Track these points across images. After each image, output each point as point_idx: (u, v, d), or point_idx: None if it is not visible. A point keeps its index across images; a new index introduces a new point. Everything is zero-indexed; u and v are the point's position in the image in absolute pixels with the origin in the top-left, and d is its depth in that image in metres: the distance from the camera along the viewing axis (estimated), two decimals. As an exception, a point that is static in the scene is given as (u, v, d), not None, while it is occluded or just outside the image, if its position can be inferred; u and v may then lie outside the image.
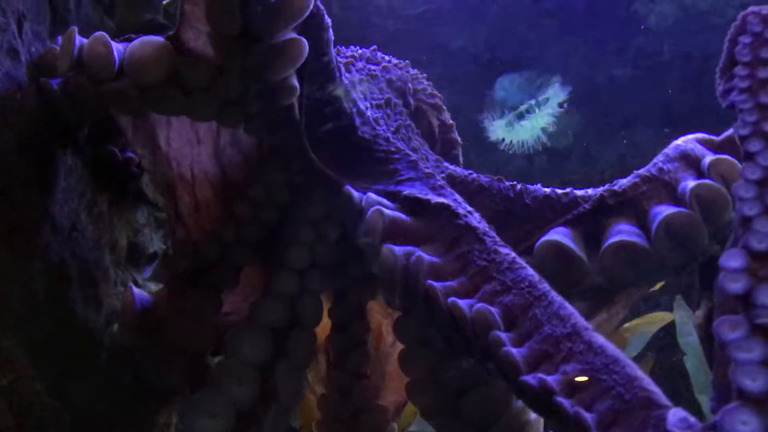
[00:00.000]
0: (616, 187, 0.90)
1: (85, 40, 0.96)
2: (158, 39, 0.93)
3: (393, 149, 1.03)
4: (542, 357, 0.69)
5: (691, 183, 0.82)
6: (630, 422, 0.59)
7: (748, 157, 0.59)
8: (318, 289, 1.02)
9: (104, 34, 0.95)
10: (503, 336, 0.70)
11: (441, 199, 0.87)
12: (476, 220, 0.84)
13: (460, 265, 0.80)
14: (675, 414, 0.57)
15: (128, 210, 1.31)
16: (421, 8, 3.31)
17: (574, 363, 0.66)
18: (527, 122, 2.82)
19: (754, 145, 0.59)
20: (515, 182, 1.02)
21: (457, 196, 0.90)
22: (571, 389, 0.65)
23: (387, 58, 1.31)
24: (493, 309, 0.73)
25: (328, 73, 1.02)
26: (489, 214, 0.94)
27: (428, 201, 0.88)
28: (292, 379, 0.99)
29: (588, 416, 0.61)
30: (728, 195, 0.80)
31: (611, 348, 0.66)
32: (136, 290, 1.13)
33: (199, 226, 1.10)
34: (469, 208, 0.87)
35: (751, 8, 0.65)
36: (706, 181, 0.81)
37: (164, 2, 1.45)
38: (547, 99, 2.89)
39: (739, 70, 0.63)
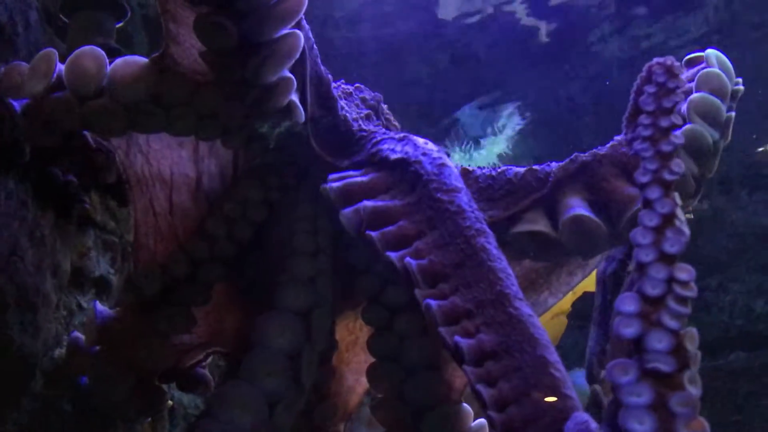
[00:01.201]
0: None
1: (60, 64, 0.96)
2: (140, 58, 0.94)
3: (372, 129, 1.07)
4: (463, 315, 0.72)
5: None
6: (529, 406, 0.61)
7: (647, 204, 0.62)
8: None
9: (96, 48, 0.95)
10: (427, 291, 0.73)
11: (400, 154, 0.91)
12: (432, 169, 0.86)
13: (407, 211, 0.83)
14: (575, 418, 0.59)
15: (73, 233, 1.31)
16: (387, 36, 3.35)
17: (491, 332, 0.68)
18: (484, 150, 2.87)
19: (653, 193, 0.62)
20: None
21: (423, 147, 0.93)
22: (482, 358, 0.66)
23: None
24: (421, 262, 0.76)
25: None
26: (473, 190, 0.98)
27: (388, 157, 0.92)
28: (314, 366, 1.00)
29: (485, 392, 0.63)
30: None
31: (531, 325, 0.67)
32: (99, 306, 1.12)
33: (172, 232, 1.10)
34: (441, 161, 0.90)
35: (656, 59, 0.68)
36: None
37: (118, 25, 1.45)
38: (504, 126, 2.94)
39: (643, 119, 0.66)
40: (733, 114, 0.89)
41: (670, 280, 0.59)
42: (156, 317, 1.05)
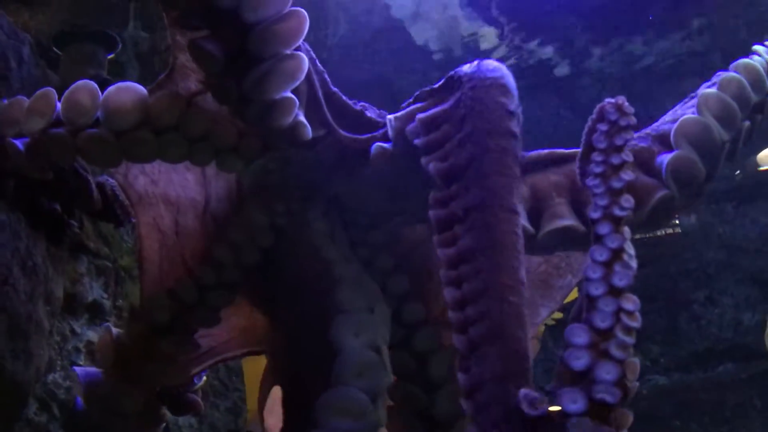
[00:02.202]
0: None
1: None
2: (132, 85, 0.96)
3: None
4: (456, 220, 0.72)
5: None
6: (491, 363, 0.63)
7: (598, 239, 0.65)
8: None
9: (89, 82, 0.96)
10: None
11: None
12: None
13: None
14: (525, 392, 0.60)
15: (66, 260, 1.35)
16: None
17: (477, 281, 0.67)
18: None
19: (603, 228, 0.66)
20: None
21: None
22: (462, 303, 0.67)
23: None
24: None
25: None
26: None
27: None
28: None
29: (458, 339, 0.66)
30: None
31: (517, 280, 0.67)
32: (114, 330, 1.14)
33: (179, 254, 1.11)
34: None
35: (607, 99, 0.72)
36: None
37: (110, 56, 1.50)
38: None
39: (595, 156, 0.69)
40: (747, 123, 0.87)
41: (618, 311, 0.62)
42: (163, 342, 1.06)
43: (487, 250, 0.69)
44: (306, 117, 0.94)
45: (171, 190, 1.10)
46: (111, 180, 1.27)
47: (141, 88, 0.95)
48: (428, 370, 0.98)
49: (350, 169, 1.00)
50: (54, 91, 0.98)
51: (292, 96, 0.90)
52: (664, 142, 0.87)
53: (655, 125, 0.91)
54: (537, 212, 0.87)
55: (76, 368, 1.15)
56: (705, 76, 0.93)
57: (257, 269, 1.07)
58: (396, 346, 0.99)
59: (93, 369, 1.12)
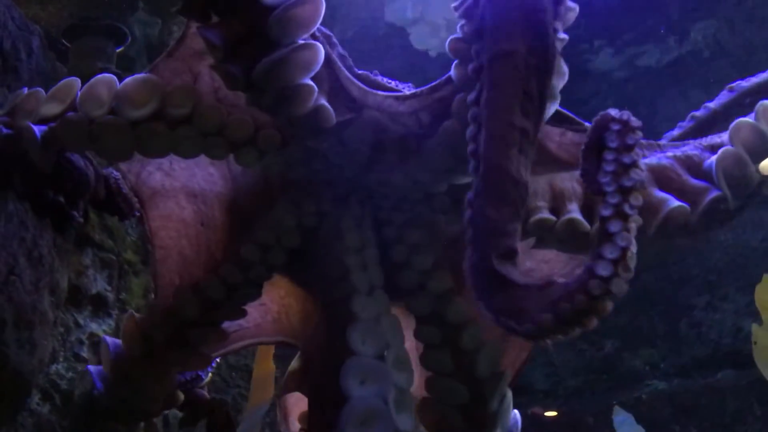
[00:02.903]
0: None
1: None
2: (149, 76, 0.96)
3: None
4: None
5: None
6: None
7: (607, 237, 0.66)
8: None
9: (110, 75, 0.98)
10: None
11: None
12: None
13: None
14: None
15: (71, 252, 1.35)
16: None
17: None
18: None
19: (614, 226, 0.66)
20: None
21: None
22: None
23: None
24: None
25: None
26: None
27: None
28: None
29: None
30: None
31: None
32: (109, 339, 1.14)
33: (204, 243, 1.11)
34: None
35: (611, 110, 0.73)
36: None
37: (119, 50, 1.50)
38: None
39: (607, 155, 0.70)
40: None
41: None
42: (190, 333, 1.06)
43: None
44: (329, 102, 0.92)
45: (194, 183, 1.10)
46: (115, 173, 1.28)
47: (158, 81, 0.95)
48: (476, 367, 0.97)
49: (393, 147, 0.98)
50: (78, 81, 0.98)
51: (310, 83, 0.88)
52: (715, 149, 0.89)
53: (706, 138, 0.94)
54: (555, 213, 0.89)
55: (105, 337, 1.14)
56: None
57: (285, 265, 1.07)
58: (439, 345, 0.98)
59: (119, 342, 1.12)
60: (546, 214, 0.88)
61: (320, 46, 0.87)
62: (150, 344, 1.06)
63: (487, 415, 0.98)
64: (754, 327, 2.03)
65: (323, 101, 0.91)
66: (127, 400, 1.09)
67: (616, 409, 2.31)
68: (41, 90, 1.02)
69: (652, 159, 0.91)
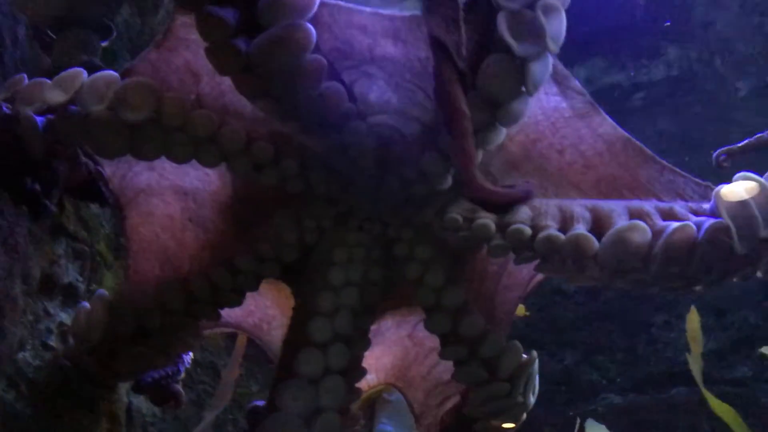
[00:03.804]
0: None
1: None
2: (148, 81, 0.97)
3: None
4: None
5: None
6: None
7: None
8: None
9: (112, 72, 0.98)
10: None
11: None
12: None
13: None
14: None
15: (46, 241, 1.36)
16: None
17: None
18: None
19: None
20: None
21: None
22: None
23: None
24: None
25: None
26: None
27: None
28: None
29: None
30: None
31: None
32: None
33: (193, 240, 1.10)
34: None
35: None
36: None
37: (104, 44, 1.51)
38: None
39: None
40: None
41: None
42: (166, 323, 1.07)
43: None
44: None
45: (186, 182, 1.10)
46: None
47: (156, 86, 0.96)
48: (498, 372, 1.00)
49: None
50: (84, 72, 0.99)
51: (316, 60, 0.86)
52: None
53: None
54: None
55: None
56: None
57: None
58: (463, 361, 1.00)
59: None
60: (554, 232, 0.89)
61: (311, 28, 0.85)
62: (117, 328, 1.06)
63: (518, 404, 1.03)
64: (688, 356, 2.11)
65: (331, 83, 0.90)
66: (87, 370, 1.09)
67: (589, 421, 2.37)
68: (46, 79, 1.02)
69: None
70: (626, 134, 0.99)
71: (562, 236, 0.89)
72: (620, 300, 3.11)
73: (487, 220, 0.93)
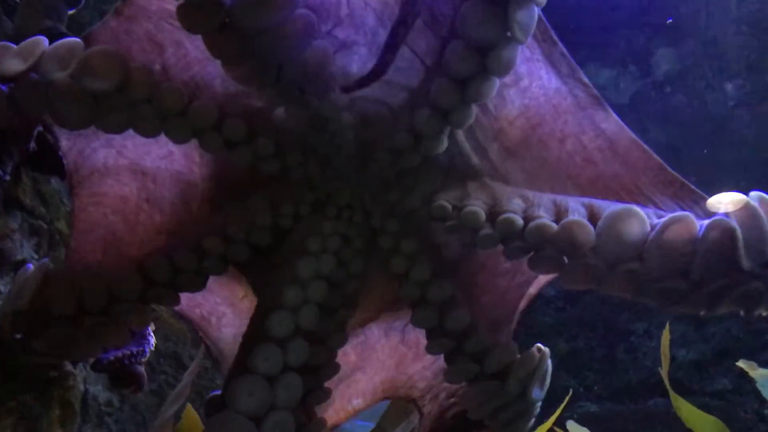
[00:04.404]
0: None
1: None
2: (115, 49, 0.90)
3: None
4: None
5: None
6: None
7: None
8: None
9: (76, 39, 0.91)
10: None
11: None
12: None
13: None
14: None
15: (-1, 215, 1.29)
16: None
17: None
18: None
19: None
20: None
21: None
22: None
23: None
24: None
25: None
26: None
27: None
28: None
29: None
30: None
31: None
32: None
33: (148, 222, 1.05)
34: None
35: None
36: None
37: (71, 12, 1.44)
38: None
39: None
40: None
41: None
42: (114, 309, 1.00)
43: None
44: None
45: (146, 161, 1.04)
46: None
47: (124, 55, 0.90)
48: (485, 368, 0.95)
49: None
50: (45, 40, 0.94)
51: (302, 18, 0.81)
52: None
53: None
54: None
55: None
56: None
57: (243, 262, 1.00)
58: (451, 355, 0.95)
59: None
60: (546, 221, 0.85)
61: None
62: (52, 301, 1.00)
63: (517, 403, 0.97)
64: (660, 370, 2.09)
65: (318, 42, 0.85)
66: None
67: (570, 423, 2.34)
68: (9, 44, 0.97)
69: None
70: (633, 135, 0.95)
71: (554, 225, 0.83)
72: (600, 307, 3.07)
73: (477, 208, 0.88)
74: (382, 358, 1.15)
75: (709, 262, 0.81)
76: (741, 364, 2.14)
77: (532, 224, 0.85)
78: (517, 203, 0.88)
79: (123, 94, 0.89)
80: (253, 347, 0.90)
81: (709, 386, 2.88)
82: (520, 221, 0.86)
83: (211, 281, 1.03)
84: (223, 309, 1.16)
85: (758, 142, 3.21)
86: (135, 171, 1.04)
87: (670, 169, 0.92)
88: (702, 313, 0.88)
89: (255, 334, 0.93)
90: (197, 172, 1.06)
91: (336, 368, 0.99)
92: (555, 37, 0.93)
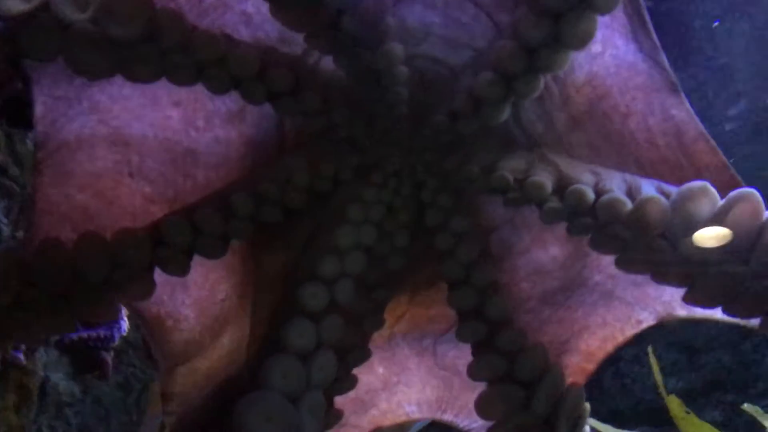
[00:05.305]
0: None
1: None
2: None
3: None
4: None
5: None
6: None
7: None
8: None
9: None
10: None
11: None
12: None
13: None
14: None
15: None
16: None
17: None
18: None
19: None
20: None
21: None
22: None
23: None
24: None
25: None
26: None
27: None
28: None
29: None
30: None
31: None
32: None
33: (124, 198, 0.96)
34: None
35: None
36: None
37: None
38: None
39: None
40: None
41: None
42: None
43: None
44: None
45: (133, 128, 0.95)
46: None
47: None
48: (516, 369, 0.87)
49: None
50: None
51: None
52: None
53: None
54: None
55: None
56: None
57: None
58: (480, 345, 0.87)
59: None
60: (621, 196, 0.79)
61: None
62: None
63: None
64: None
65: None
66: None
67: None
68: None
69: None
70: (702, 128, 0.91)
71: (628, 201, 0.76)
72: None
73: (542, 178, 0.81)
74: (420, 375, 1.07)
75: None
76: (747, 407, 2.08)
77: (604, 198, 0.78)
78: (588, 177, 0.82)
79: (153, 43, 0.79)
80: (285, 322, 0.80)
81: (698, 418, 2.83)
82: (591, 194, 0.79)
83: (195, 276, 0.93)
84: (186, 312, 1.03)
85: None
86: (115, 142, 0.95)
87: (733, 171, 0.89)
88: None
89: (287, 309, 0.83)
90: (200, 138, 0.96)
91: (367, 355, 0.89)
92: (645, 13, 0.87)
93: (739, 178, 0.88)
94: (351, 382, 0.87)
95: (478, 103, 0.82)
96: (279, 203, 0.86)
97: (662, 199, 0.76)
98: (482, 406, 0.86)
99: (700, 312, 0.90)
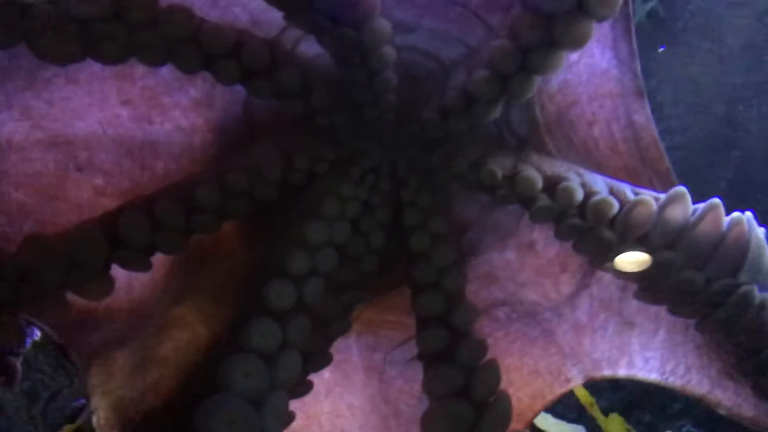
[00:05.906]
0: None
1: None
2: None
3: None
4: None
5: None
6: None
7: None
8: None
9: None
10: None
11: None
12: None
13: None
14: None
15: None
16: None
17: None
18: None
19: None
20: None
21: None
22: None
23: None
24: None
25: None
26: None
27: None
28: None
29: None
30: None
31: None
32: None
33: (70, 194, 0.92)
34: None
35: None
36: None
37: None
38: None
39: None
40: None
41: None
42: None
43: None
44: None
45: (77, 127, 0.92)
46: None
47: None
48: (473, 386, 0.82)
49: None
50: None
51: None
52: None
53: None
54: None
55: None
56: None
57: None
58: (438, 355, 0.83)
59: None
60: (609, 197, 0.79)
61: None
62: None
63: None
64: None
65: None
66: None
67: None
68: None
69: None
70: (655, 133, 0.93)
71: (616, 203, 0.77)
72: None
73: (533, 172, 0.80)
74: (363, 401, 1.03)
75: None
76: None
77: (594, 199, 0.79)
78: (574, 176, 0.82)
79: (120, 21, 0.76)
80: (248, 320, 0.76)
81: (618, 437, 2.89)
82: (581, 192, 0.79)
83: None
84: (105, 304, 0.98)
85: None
86: (54, 143, 0.93)
87: (674, 178, 0.92)
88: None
89: (250, 306, 0.78)
90: (159, 130, 0.94)
91: (327, 361, 0.85)
92: (632, 19, 0.89)
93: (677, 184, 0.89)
94: (305, 387, 0.83)
95: (471, 101, 0.81)
96: (247, 195, 0.82)
97: (652, 201, 0.77)
98: (427, 423, 0.81)
99: (623, 372, 0.93)
